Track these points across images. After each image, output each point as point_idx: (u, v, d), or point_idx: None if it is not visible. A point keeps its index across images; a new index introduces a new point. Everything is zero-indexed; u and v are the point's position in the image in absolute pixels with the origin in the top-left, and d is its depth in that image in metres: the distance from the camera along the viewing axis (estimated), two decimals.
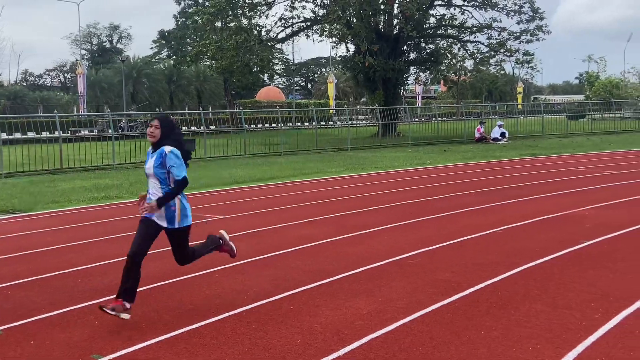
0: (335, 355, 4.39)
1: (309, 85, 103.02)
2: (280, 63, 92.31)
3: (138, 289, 5.19)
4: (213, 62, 38.09)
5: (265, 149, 24.06)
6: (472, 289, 5.80)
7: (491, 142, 27.54)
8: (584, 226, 8.60)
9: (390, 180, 14.77)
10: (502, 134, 28.10)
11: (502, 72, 48.96)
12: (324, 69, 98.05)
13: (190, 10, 50.36)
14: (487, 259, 6.91)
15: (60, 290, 6.17)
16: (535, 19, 33.13)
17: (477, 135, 28.47)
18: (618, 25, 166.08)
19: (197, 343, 4.67)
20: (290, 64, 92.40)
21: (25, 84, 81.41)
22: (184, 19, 58.29)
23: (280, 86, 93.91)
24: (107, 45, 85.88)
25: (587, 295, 5.54)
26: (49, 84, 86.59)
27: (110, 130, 22.00)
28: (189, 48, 45.74)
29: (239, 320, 5.14)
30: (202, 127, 22.99)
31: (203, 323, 5.07)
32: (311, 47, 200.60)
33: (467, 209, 10.24)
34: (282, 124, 29.30)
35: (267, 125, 32.85)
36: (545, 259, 6.83)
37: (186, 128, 32.40)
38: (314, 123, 29.51)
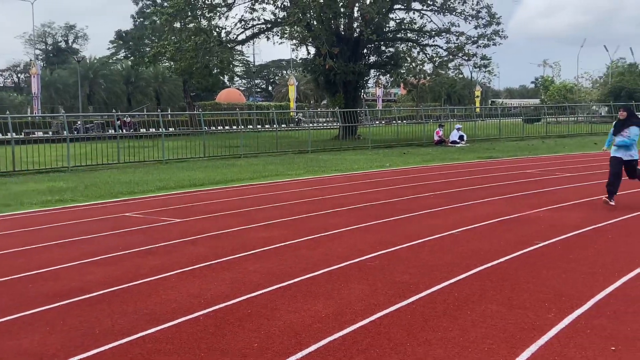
0: (292, 358, 4.36)
1: (270, 88, 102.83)
2: (240, 65, 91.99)
3: (89, 295, 5.07)
4: (172, 63, 37.70)
5: (225, 152, 23.89)
6: (429, 291, 5.84)
7: (450, 145, 27.88)
8: (538, 227, 8.75)
9: (350, 183, 14.81)
10: (461, 137, 28.48)
11: (461, 76, 49.74)
12: (285, 71, 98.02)
13: (148, 11, 49.68)
14: (444, 260, 6.97)
15: (9, 296, 6.00)
16: (492, 24, 33.66)
17: (436, 138, 28.78)
18: (572, 30, 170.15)
19: (152, 349, 4.59)
20: (251, 65, 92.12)
21: None
22: (141, 19, 57.54)
23: (240, 88, 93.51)
24: (63, 45, 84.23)
25: (541, 295, 5.63)
26: (2, 85, 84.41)
27: (65, 132, 21.52)
28: (148, 49, 45.13)
29: (196, 324, 5.07)
30: (160, 129, 22.66)
31: (158, 328, 4.99)
32: (272, 49, 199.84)
33: (426, 211, 10.33)
34: (243, 127, 29.12)
35: (227, 127, 32.62)
36: (501, 260, 6.93)
37: (144, 130, 31.96)
38: (275, 125, 29.44)
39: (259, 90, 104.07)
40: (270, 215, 10.25)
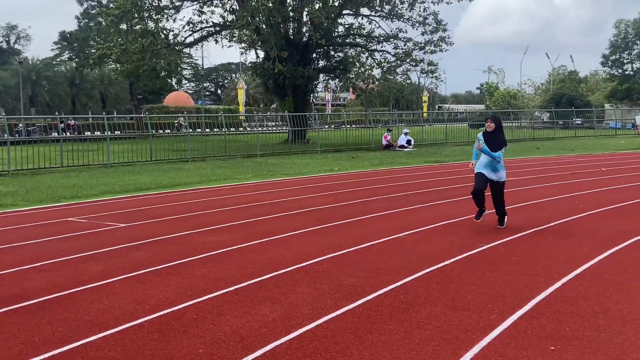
0: None
1: (219, 91, 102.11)
2: (189, 68, 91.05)
3: (29, 302, 4.93)
4: (118, 65, 37.03)
5: (173, 155, 23.59)
6: (375, 294, 5.88)
7: (398, 149, 28.21)
8: (482, 230, 8.92)
9: (298, 187, 14.82)
10: (408, 142, 28.85)
11: (408, 81, 50.39)
12: (234, 75, 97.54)
13: (93, 12, 48.75)
14: (391, 263, 7.04)
15: None
16: (438, 31, 34.25)
17: (384, 142, 29.07)
18: (516, 38, 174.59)
19: (94, 356, 4.48)
20: (200, 69, 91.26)
21: None
22: (86, 21, 56.35)
23: (189, 91, 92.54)
24: (4, 45, 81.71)
25: (484, 297, 5.74)
26: None
27: (5, 135, 20.87)
28: (93, 50, 44.18)
29: (140, 330, 4.98)
30: (106, 132, 22.21)
31: (101, 335, 4.88)
32: (221, 52, 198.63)
33: (373, 215, 10.41)
34: (191, 130, 28.80)
35: (175, 130, 32.24)
36: (447, 262, 7.04)
37: (89, 133, 31.26)
38: (224, 129, 29.22)
39: (207, 93, 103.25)
40: (218, 219, 10.16)
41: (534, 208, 10.98)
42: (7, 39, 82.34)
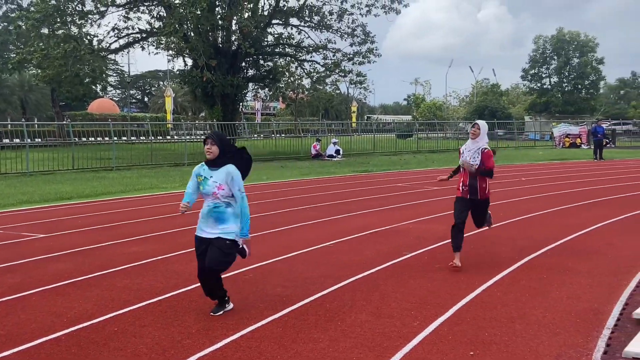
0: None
1: (146, 99, 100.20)
2: (114, 75, 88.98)
3: None
4: (39, 70, 35.78)
5: (96, 164, 22.95)
6: (301, 303, 5.89)
7: (327, 158, 28.41)
8: (407, 239, 9.09)
9: None
10: (337, 151, 29.11)
11: (338, 91, 50.89)
12: (162, 82, 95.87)
13: (13, 15, 46.93)
14: (317, 272, 7.07)
15: None
16: (366, 42, 34.79)
17: (313, 152, 29.23)
18: (443, 51, 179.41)
19: None
20: (126, 75, 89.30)
21: None
22: (5, 24, 54.23)
23: (114, 99, 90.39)
24: None
25: (408, 304, 5.84)
26: None
27: None
28: (12, 55, 42.54)
29: (57, 345, 4.81)
30: (25, 140, 21.40)
31: (15, 350, 4.69)
32: (148, 60, 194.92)
33: (301, 224, 10.44)
34: (116, 138, 28.13)
35: (99, 138, 31.38)
36: (372, 270, 7.13)
37: (8, 140, 30.05)
38: (150, 137, 28.69)
39: (134, 101, 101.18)
40: (143, 229, 9.95)
41: None
42: None
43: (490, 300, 6.01)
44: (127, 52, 37.96)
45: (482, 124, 7.44)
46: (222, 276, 5.74)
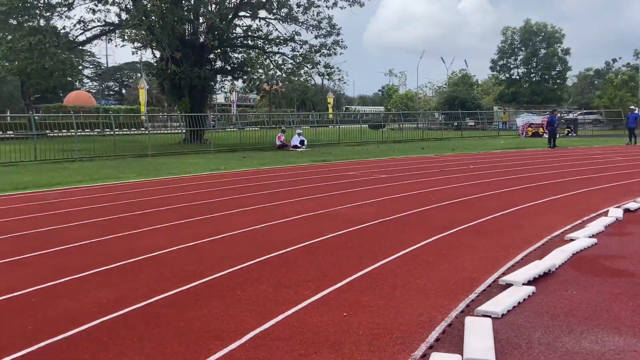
0: (62, 336, 4.78)
1: (124, 91, 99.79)
2: (91, 67, 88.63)
3: None
4: (6, 63, 35.91)
5: (61, 155, 23.29)
6: (211, 277, 6.45)
7: (291, 149, 28.95)
8: (335, 222, 9.68)
9: (178, 185, 15.18)
10: (302, 142, 29.66)
11: (312, 83, 51.30)
12: (139, 74, 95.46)
13: None
14: (236, 252, 7.63)
15: None
16: (332, 35, 35.33)
17: (277, 142, 29.75)
18: (421, 42, 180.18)
19: None
20: (102, 67, 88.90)
21: None
22: None
23: (92, 90, 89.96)
24: None
25: (308, 277, 6.42)
26: None
27: None
28: None
29: None
30: None
31: None
32: (127, 51, 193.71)
33: (239, 210, 10.99)
34: (81, 130, 28.43)
35: (65, 130, 31.65)
36: (288, 249, 7.70)
37: None
38: (115, 130, 29.01)
39: (112, 93, 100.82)
40: (87, 215, 10.44)
41: (389, 202, 11.88)
42: None
43: (384, 272, 6.61)
44: (96, 45, 38.20)
45: None
46: (149, 255, 6.26)
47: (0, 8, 31.09)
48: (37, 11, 32.05)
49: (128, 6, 32.91)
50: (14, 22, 32.63)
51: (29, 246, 8.01)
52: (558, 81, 64.25)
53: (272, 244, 7.99)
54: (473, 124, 51.27)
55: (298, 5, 34.91)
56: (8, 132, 29.79)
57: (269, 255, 7.38)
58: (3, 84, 68.08)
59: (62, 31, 33.18)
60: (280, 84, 40.50)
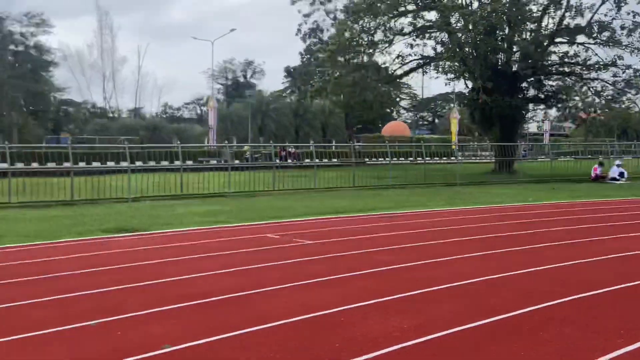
0: (364, 357, 5.07)
1: (436, 120, 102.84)
2: (407, 98, 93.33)
3: (214, 299, 6.09)
4: (333, 97, 39.72)
5: (374, 182, 24.83)
6: (512, 313, 6.25)
7: (609, 181, 26.71)
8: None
9: (480, 216, 15.02)
10: (621, 174, 27.17)
11: (636, 110, 46.96)
12: (452, 105, 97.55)
13: (314, 48, 52.65)
14: (545, 288, 7.27)
15: (151, 295, 7.25)
16: None
17: (593, 174, 27.70)
18: None
19: (264, 342, 5.51)
20: (417, 98, 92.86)
21: (164, 116, 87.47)
22: (308, 56, 60.89)
23: (407, 121, 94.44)
24: (241, 79, 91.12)
25: (620, 324, 5.83)
26: (187, 116, 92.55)
27: (233, 161, 23.69)
28: (311, 84, 47.77)
29: (294, 327, 5.93)
30: (314, 160, 24.31)
31: (263, 327, 5.90)
32: (440, 82, 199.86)
33: (545, 244, 10.47)
34: (395, 158, 30.04)
35: (381, 159, 33.80)
36: (600, 290, 7.10)
37: (309, 160, 33.80)
38: (426, 158, 30.04)
39: (425, 122, 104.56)
40: (394, 241, 10.91)
41: None
42: (244, 73, 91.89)
43: None
44: (411, 78, 40.02)
45: None
46: (451, 284, 6.33)
47: (331, 47, 34.68)
48: (362, 49, 34.90)
49: (444, 39, 33.93)
50: (342, 60, 36.05)
51: (342, 268, 8.66)
52: None
53: (582, 284, 7.44)
54: None
55: (622, 28, 32.24)
56: (333, 160, 32.95)
57: (578, 296, 6.88)
58: (331, 116, 75.45)
59: (383, 66, 35.56)
60: (599, 112, 37.84)
